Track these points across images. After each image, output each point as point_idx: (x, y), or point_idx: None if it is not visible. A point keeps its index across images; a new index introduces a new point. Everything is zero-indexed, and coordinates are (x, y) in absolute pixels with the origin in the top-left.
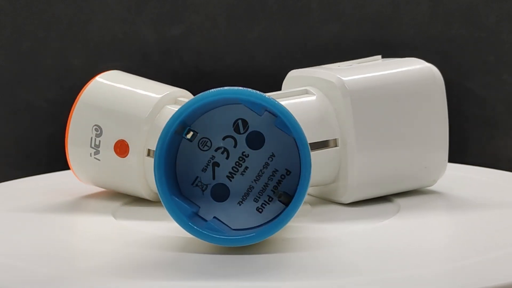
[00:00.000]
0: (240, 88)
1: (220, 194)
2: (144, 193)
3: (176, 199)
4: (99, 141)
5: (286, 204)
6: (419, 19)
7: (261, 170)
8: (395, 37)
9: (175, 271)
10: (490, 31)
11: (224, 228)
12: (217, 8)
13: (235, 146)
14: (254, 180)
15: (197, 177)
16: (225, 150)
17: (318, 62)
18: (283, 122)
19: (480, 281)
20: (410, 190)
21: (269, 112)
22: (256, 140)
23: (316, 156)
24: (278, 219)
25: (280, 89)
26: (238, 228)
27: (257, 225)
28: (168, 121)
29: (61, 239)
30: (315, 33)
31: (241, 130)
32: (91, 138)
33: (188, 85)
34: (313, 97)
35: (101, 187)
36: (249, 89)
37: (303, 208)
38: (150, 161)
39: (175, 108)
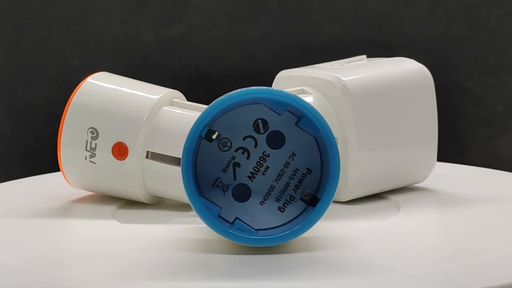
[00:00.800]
0: (264, 87)
1: (241, 194)
2: (141, 195)
3: (204, 200)
4: (95, 143)
5: (309, 203)
6: (419, 19)
7: (282, 170)
8: (395, 37)
9: (205, 272)
10: (490, 31)
11: (247, 228)
12: (217, 8)
13: (255, 146)
14: (276, 179)
15: (218, 177)
16: (246, 150)
17: (318, 62)
18: (309, 121)
19: (481, 281)
20: (403, 187)
21: (293, 111)
22: (276, 140)
23: None
24: (308, 219)
25: None
26: (260, 228)
27: (279, 224)
28: (195, 124)
29: (79, 243)
30: (315, 33)
31: (261, 130)
32: (87, 141)
33: (188, 85)
34: (311, 97)
35: (93, 191)
36: (273, 88)
37: None
38: (150, 163)
39: (172, 110)
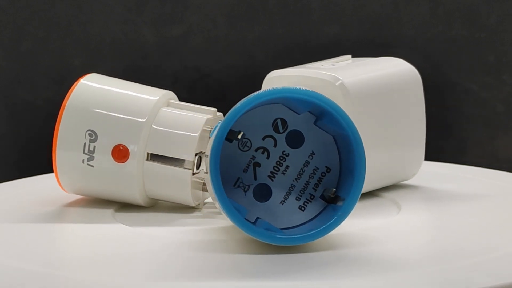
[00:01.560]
0: (286, 87)
1: (262, 194)
2: (139, 198)
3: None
4: (94, 146)
5: (329, 201)
6: (419, 19)
7: (301, 169)
8: (395, 37)
9: (237, 271)
10: (490, 31)
11: (274, 227)
12: (217, 8)
13: (275, 146)
14: (296, 178)
15: (239, 178)
16: (265, 150)
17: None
18: (334, 119)
19: (481, 281)
20: (400, 185)
21: (314, 110)
22: (295, 139)
23: None
24: (336, 218)
25: None
26: (282, 227)
27: (300, 223)
28: (221, 125)
29: (95, 247)
30: (315, 33)
31: (281, 130)
32: (84, 143)
33: (188, 85)
34: None
35: (87, 195)
36: (296, 87)
37: None
38: (150, 165)
39: (171, 111)
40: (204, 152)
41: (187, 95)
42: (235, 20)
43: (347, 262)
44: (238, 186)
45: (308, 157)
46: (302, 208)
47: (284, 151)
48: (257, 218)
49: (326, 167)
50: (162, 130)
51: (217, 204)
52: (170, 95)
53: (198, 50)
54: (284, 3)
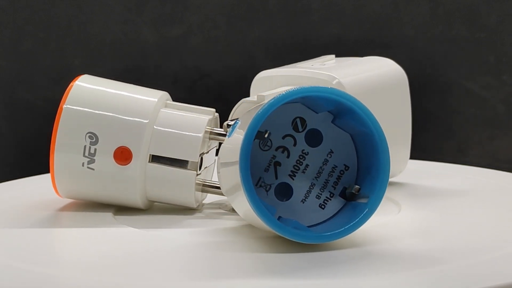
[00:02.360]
0: (312, 86)
1: (283, 193)
2: (140, 200)
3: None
4: (95, 149)
5: (349, 198)
6: (419, 19)
7: (321, 167)
8: (395, 37)
9: (271, 271)
10: (490, 31)
11: (302, 226)
12: (217, 8)
13: (294, 145)
14: (315, 177)
15: (260, 177)
16: (285, 149)
17: None
18: (359, 118)
19: (481, 281)
20: (401, 185)
21: (340, 108)
22: (314, 138)
23: None
24: (363, 214)
25: None
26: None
27: (321, 221)
28: (251, 125)
29: (117, 250)
30: (315, 33)
31: (300, 129)
32: (85, 146)
33: (188, 85)
34: None
35: (82, 199)
36: (321, 86)
37: None
38: (153, 167)
39: (171, 112)
40: (205, 153)
41: (187, 95)
42: (235, 20)
43: (369, 260)
44: (260, 186)
45: (327, 156)
46: (322, 206)
47: (304, 149)
48: (279, 217)
49: (344, 165)
50: (165, 131)
51: (238, 205)
52: (166, 95)
53: (198, 50)
54: (284, 3)
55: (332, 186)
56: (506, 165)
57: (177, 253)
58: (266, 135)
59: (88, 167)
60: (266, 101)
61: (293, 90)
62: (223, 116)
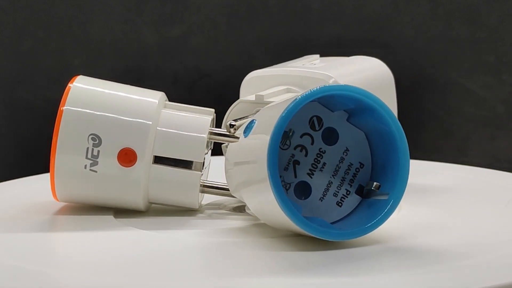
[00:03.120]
0: (334, 85)
1: (302, 191)
2: (142, 202)
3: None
4: (98, 151)
5: (364, 196)
6: (419, 19)
7: (337, 165)
8: (395, 37)
9: (298, 269)
10: (490, 31)
11: (326, 223)
12: (217, 8)
13: (312, 143)
14: (332, 175)
15: (280, 176)
16: (303, 147)
17: None
18: (379, 115)
19: (481, 281)
20: None
21: (361, 105)
22: (330, 136)
23: None
24: (387, 210)
25: None
26: None
27: (339, 218)
28: (277, 125)
29: (130, 253)
30: (315, 33)
31: (317, 127)
32: (87, 148)
33: (188, 85)
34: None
35: (80, 202)
36: (343, 84)
37: None
38: (157, 168)
39: (172, 112)
40: (206, 153)
41: (187, 95)
42: (235, 20)
43: (381, 257)
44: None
45: (343, 154)
46: (340, 204)
47: (321, 148)
48: None
49: (359, 162)
50: (169, 132)
51: (255, 203)
52: (164, 96)
53: (198, 50)
54: (284, 3)
55: (349, 184)
56: (507, 165)
57: (195, 253)
58: (290, 134)
59: (90, 169)
60: (275, 100)
61: (318, 88)
62: (224, 116)
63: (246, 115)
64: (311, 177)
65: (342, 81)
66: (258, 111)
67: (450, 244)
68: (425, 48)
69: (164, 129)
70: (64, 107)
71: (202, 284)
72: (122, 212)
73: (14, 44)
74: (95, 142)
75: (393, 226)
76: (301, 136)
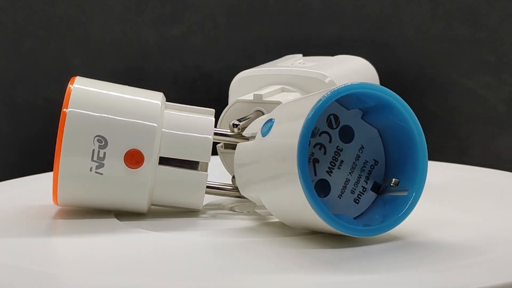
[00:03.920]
0: (358, 83)
1: (322, 189)
2: (146, 204)
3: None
4: (104, 152)
5: (378, 192)
6: (419, 19)
7: (354, 163)
8: (395, 37)
9: (326, 266)
10: (490, 31)
11: (351, 220)
12: (217, 8)
13: (330, 142)
14: (350, 172)
15: None
16: (322, 146)
17: None
18: (399, 112)
19: (481, 281)
20: None
21: (380, 103)
22: (346, 134)
23: None
24: (407, 208)
25: None
26: None
27: (357, 215)
28: (305, 125)
29: (142, 255)
30: (315, 33)
31: (334, 125)
32: (93, 150)
33: (188, 85)
34: (297, 93)
35: (82, 206)
36: (364, 82)
37: None
38: (164, 169)
39: (175, 113)
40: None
41: (187, 95)
42: (235, 20)
43: (392, 254)
44: None
45: (359, 151)
46: (357, 201)
47: (338, 146)
48: None
49: (374, 159)
50: (174, 133)
51: (275, 201)
52: (164, 96)
53: (198, 50)
54: (284, 3)
55: (364, 181)
56: (508, 165)
57: (210, 253)
58: (316, 132)
59: (96, 172)
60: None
61: (343, 86)
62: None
63: (245, 115)
64: (330, 175)
65: (336, 80)
66: (257, 110)
67: (465, 240)
68: (425, 48)
69: (169, 130)
70: (68, 109)
71: (221, 284)
72: (122, 214)
73: (14, 44)
74: (101, 144)
75: (404, 223)
76: (319, 135)
